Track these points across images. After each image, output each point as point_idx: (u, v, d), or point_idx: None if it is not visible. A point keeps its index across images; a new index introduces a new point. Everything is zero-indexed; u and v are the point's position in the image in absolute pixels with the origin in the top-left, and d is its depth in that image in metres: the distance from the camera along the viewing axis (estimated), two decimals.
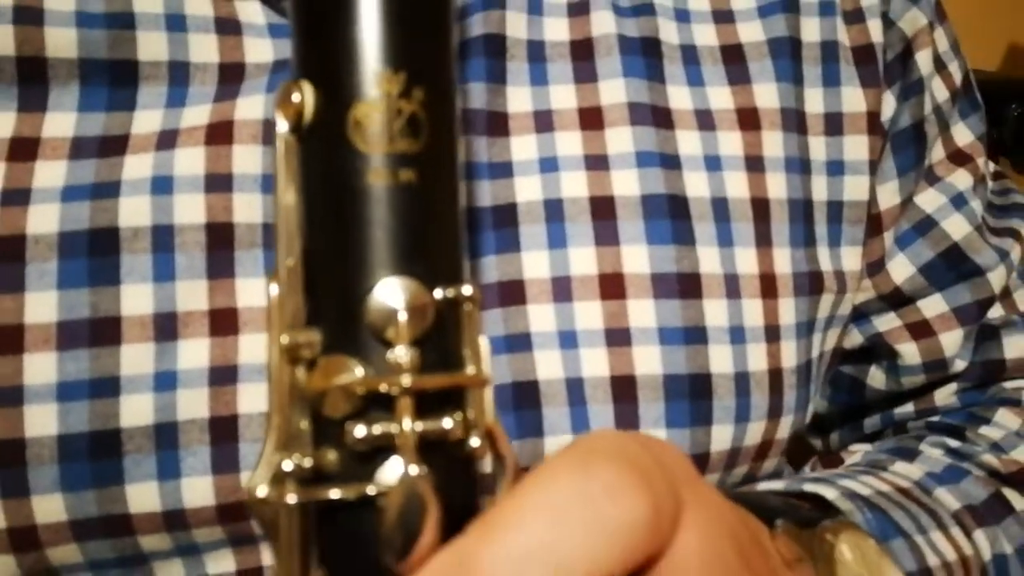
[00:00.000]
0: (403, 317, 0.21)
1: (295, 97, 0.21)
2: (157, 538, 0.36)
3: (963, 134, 0.49)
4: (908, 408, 0.50)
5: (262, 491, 0.21)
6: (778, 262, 0.41)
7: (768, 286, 0.41)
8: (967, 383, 0.49)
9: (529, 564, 0.18)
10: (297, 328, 0.21)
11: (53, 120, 0.37)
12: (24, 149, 0.36)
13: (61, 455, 0.35)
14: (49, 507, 0.35)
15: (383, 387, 0.20)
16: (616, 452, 0.20)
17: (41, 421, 0.34)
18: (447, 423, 0.21)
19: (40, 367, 0.35)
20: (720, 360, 0.39)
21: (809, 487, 0.40)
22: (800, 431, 0.44)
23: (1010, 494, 0.44)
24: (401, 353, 0.20)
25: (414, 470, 0.20)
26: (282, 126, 0.22)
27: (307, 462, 0.21)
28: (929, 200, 0.47)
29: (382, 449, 0.21)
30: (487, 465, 0.23)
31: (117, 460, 0.35)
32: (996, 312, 0.49)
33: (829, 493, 0.40)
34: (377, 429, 0.20)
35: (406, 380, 0.20)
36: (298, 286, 0.22)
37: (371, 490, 0.20)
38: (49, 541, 0.35)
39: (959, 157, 0.48)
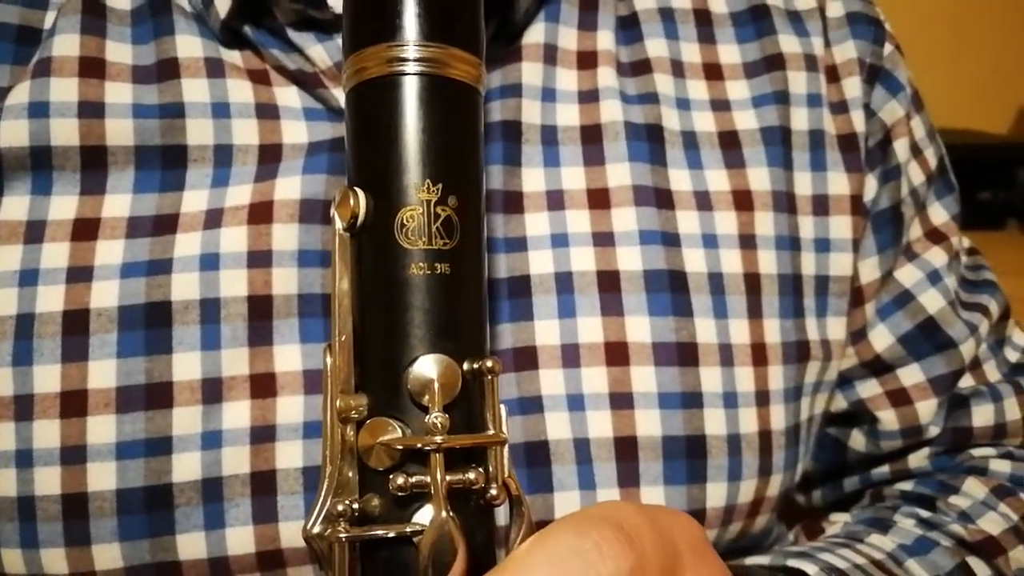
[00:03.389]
0: (437, 387, 0.26)
1: (351, 201, 0.27)
2: None
3: (939, 214, 0.55)
4: (884, 470, 0.56)
5: (318, 528, 0.26)
6: (768, 332, 0.47)
7: (759, 355, 0.46)
8: (939, 448, 0.54)
9: None
10: (347, 393, 0.27)
11: (111, 202, 0.42)
12: (86, 229, 0.42)
13: (120, 508, 0.40)
14: (108, 555, 0.40)
15: (420, 445, 0.25)
16: (607, 516, 0.25)
17: (102, 477, 0.40)
18: (471, 475, 0.26)
19: (101, 428, 0.40)
20: (714, 423, 0.44)
21: (792, 562, 0.45)
22: (790, 489, 0.49)
23: (974, 563, 0.49)
24: (435, 417, 0.26)
25: (444, 513, 0.25)
26: (339, 224, 0.27)
27: (355, 505, 0.26)
28: (907, 275, 0.53)
29: (417, 496, 0.26)
30: (504, 514, 0.28)
31: (169, 512, 0.40)
32: (966, 382, 0.54)
33: (810, 569, 0.44)
34: (414, 479, 0.26)
35: (439, 439, 0.25)
36: (349, 358, 0.27)
37: (409, 529, 0.25)
38: None
39: (935, 235, 0.54)
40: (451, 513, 0.25)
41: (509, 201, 0.45)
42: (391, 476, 0.26)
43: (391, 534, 0.26)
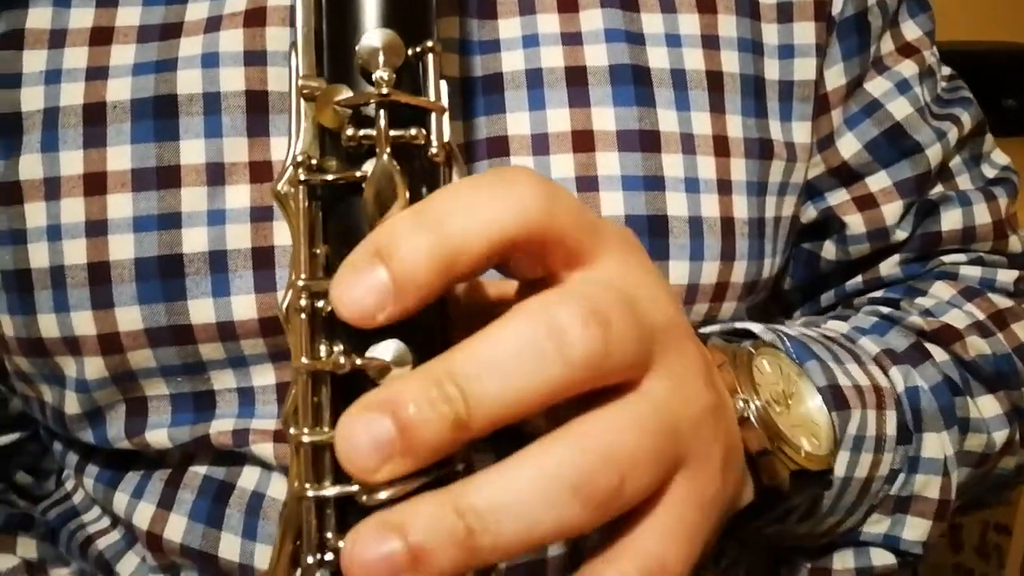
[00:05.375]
0: (382, 54, 0.31)
1: None
2: (212, 347, 0.46)
3: (911, 30, 0.58)
4: (857, 280, 0.60)
5: (284, 188, 0.31)
6: (730, 127, 0.51)
7: (720, 146, 0.50)
8: (908, 254, 0.58)
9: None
10: (310, 77, 0.32)
11: (123, 12, 0.48)
12: (102, 36, 0.47)
13: (137, 275, 0.45)
14: (129, 317, 0.46)
15: (366, 99, 0.30)
16: (521, 167, 0.30)
17: (121, 247, 0.45)
18: (413, 131, 0.31)
19: (119, 204, 0.46)
20: (676, 205, 0.49)
21: (740, 324, 0.49)
22: (757, 283, 0.53)
23: (931, 347, 0.52)
24: (380, 74, 0.30)
25: (386, 157, 0.30)
26: None
27: (314, 161, 0.31)
28: (877, 86, 0.56)
29: (369, 153, 0.31)
30: None
31: (181, 280, 0.46)
32: (936, 189, 0.58)
33: (756, 328, 0.48)
34: (362, 132, 0.30)
35: (384, 91, 0.30)
36: (311, 48, 0.32)
37: (358, 173, 0.30)
38: (129, 346, 0.46)
39: (907, 49, 0.58)
40: (393, 161, 0.30)
41: (483, 6, 0.50)
42: (343, 131, 0.31)
43: (343, 180, 0.31)
